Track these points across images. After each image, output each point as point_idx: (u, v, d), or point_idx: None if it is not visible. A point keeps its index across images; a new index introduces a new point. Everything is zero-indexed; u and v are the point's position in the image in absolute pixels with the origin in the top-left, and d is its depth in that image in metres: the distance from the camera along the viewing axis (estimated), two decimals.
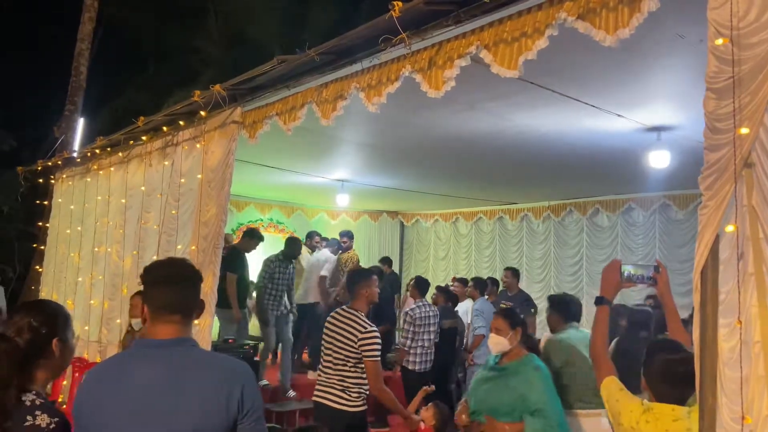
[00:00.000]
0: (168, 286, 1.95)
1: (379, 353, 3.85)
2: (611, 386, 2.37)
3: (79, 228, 6.75)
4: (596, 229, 9.11)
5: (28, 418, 1.78)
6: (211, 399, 1.82)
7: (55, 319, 2.00)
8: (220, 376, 1.88)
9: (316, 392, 3.97)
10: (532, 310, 7.40)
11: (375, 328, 3.89)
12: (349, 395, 3.82)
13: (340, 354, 3.85)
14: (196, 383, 1.84)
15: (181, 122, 4.97)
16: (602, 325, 2.53)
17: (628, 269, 2.54)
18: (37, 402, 1.83)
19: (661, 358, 2.28)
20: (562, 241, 9.52)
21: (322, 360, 4.03)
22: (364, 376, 3.83)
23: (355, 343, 3.78)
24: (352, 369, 3.82)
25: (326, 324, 4.06)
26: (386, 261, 9.35)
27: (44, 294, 7.58)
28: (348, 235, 8.77)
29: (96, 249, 6.31)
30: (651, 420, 2.18)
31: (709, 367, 1.96)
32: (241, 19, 15.00)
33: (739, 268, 1.94)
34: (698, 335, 2.02)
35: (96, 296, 6.12)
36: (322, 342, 4.04)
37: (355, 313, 3.92)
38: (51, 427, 1.79)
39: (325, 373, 3.96)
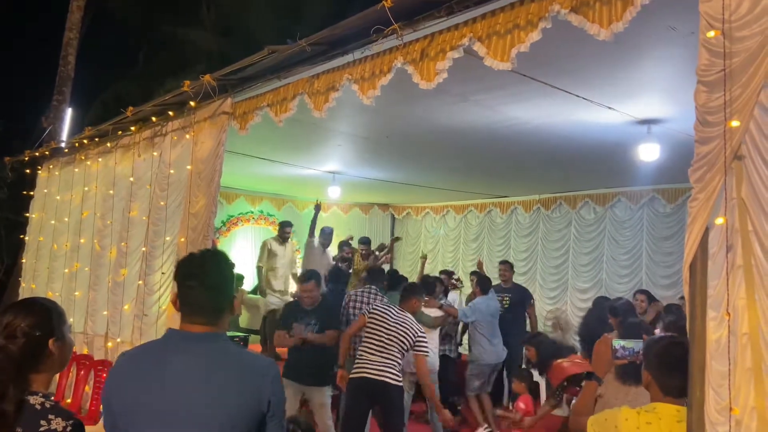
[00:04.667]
0: (193, 288, 1.90)
1: (428, 350, 4.99)
2: (593, 418, 2.31)
3: (66, 219, 6.70)
4: (584, 222, 9.14)
5: (42, 422, 1.72)
6: (244, 395, 1.82)
7: (49, 319, 1.88)
8: (252, 373, 1.88)
9: (366, 371, 4.72)
10: (532, 301, 7.46)
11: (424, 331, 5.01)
12: (399, 374, 4.81)
13: (399, 344, 4.75)
14: (230, 379, 1.84)
15: (171, 113, 4.94)
16: (588, 398, 2.61)
17: (619, 344, 2.67)
18: (47, 405, 1.78)
19: (659, 344, 2.29)
20: (550, 234, 9.55)
21: (372, 344, 4.76)
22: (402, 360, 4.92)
23: (413, 339, 4.78)
24: (403, 355, 4.83)
25: (378, 316, 4.83)
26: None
27: (24, 285, 7.54)
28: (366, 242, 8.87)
29: (81, 240, 6.26)
30: (653, 421, 2.13)
31: (697, 359, 1.97)
32: (234, 10, 14.88)
33: (728, 261, 1.95)
34: (689, 328, 2.04)
35: (80, 288, 6.08)
36: (373, 330, 4.79)
37: (409, 315, 4.90)
38: (68, 430, 1.74)
39: (376, 354, 4.74)
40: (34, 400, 1.77)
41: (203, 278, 1.90)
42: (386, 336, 4.79)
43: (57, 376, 5.66)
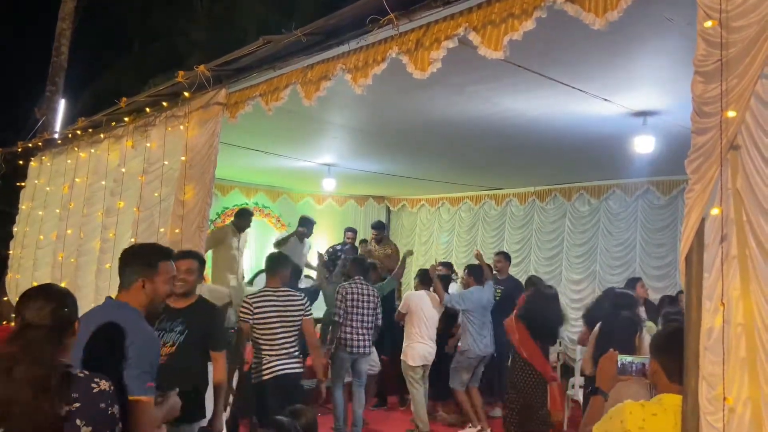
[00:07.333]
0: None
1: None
2: (597, 424, 2.28)
3: (57, 210, 6.66)
4: (578, 214, 9.15)
5: (92, 385, 1.97)
6: (100, 349, 2.34)
7: (71, 302, 2.11)
8: (111, 329, 2.38)
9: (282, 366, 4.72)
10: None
11: None
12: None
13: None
14: (101, 336, 2.37)
15: (165, 103, 4.90)
16: (595, 413, 2.51)
17: (625, 359, 2.61)
18: (85, 373, 2.02)
19: (667, 329, 2.26)
20: (545, 226, 9.55)
21: (273, 339, 4.72)
22: None
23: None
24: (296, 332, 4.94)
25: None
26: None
27: (10, 275, 7.53)
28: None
29: (68, 231, 6.23)
30: (659, 412, 2.10)
31: (692, 349, 1.98)
32: (228, 1, 14.79)
33: (722, 251, 1.95)
34: (685, 318, 2.04)
35: (66, 277, 6.05)
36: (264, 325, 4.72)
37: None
38: (112, 389, 2.03)
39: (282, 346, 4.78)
40: (74, 371, 1.99)
41: (119, 258, 2.72)
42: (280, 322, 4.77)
43: None
